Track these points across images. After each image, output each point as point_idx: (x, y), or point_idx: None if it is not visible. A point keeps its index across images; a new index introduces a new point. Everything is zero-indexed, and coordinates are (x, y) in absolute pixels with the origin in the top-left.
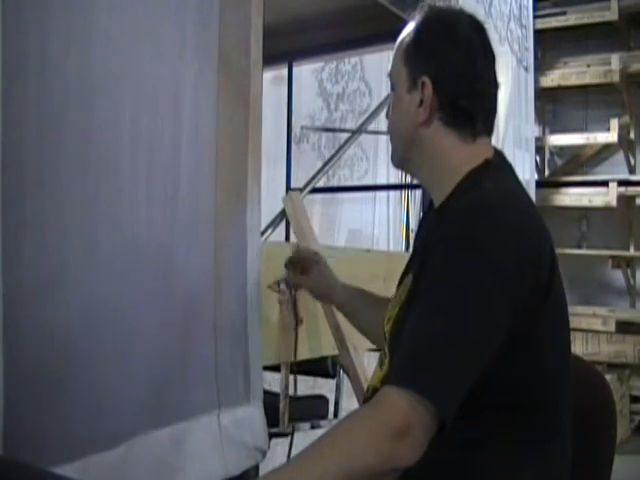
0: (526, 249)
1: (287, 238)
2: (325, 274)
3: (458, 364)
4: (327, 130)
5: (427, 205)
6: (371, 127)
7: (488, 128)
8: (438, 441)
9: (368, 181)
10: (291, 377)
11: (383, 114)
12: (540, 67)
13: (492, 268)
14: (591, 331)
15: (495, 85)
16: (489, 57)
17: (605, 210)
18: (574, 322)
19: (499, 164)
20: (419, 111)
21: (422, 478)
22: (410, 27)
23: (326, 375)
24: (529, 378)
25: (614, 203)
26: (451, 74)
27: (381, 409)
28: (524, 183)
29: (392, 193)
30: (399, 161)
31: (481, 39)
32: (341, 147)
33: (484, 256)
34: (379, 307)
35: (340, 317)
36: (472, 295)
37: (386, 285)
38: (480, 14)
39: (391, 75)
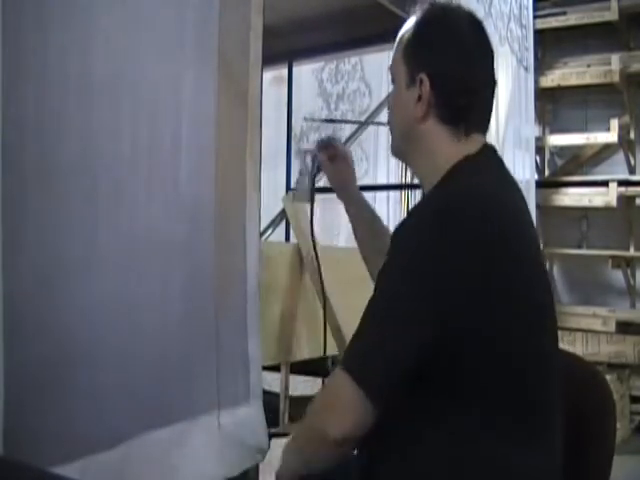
0: (470, 263)
1: (287, 238)
2: (347, 171)
3: (383, 351)
4: (331, 121)
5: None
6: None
7: (482, 126)
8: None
9: (368, 181)
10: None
11: (382, 115)
12: (540, 67)
13: (426, 281)
14: (591, 331)
15: (492, 83)
16: (487, 55)
17: (605, 210)
18: (574, 322)
19: (480, 161)
20: (417, 106)
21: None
22: (410, 23)
23: (326, 375)
24: (492, 364)
25: (614, 203)
26: (448, 72)
27: (327, 388)
28: (524, 183)
29: (392, 193)
30: (397, 151)
31: (479, 37)
32: None
33: (425, 268)
34: (381, 238)
35: (340, 317)
36: (405, 299)
37: None
38: (480, 14)
39: (391, 69)
